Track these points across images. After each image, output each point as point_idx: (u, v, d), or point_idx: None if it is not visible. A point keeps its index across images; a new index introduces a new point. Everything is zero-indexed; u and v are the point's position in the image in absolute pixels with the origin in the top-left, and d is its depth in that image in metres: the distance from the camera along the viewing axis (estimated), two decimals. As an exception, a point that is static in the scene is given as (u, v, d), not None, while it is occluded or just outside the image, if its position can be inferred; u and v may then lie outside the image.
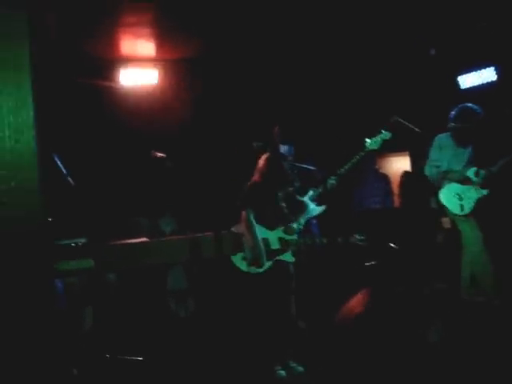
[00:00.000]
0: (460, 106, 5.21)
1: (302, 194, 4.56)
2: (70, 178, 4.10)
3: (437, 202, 5.33)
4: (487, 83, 6.88)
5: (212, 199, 6.14)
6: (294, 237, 4.24)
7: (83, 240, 3.49)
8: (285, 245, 4.19)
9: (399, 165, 8.46)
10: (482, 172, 5.08)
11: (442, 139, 5.32)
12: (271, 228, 4.20)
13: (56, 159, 4.03)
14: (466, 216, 5.11)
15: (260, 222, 4.16)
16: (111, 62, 6.45)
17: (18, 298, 1.95)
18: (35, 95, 1.71)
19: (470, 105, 5.16)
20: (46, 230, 1.94)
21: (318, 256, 5.38)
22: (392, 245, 7.00)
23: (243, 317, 4.63)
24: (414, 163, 8.05)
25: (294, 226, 4.27)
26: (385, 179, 7.67)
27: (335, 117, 7.30)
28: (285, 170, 4.27)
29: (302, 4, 5.28)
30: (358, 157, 4.61)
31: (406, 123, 5.23)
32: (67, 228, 3.66)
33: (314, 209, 4.53)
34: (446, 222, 6.10)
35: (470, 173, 5.13)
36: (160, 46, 6.28)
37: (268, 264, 4.11)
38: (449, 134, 5.30)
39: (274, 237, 4.19)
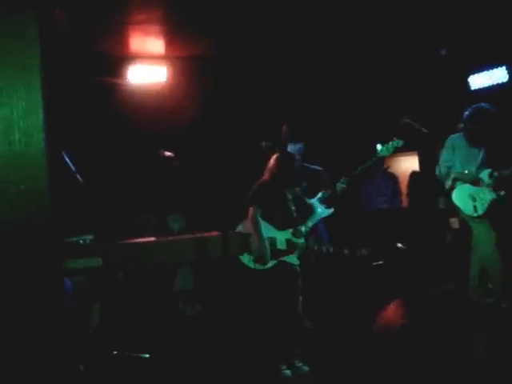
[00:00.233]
0: (474, 106, 5.15)
1: (310, 195, 4.57)
2: (78, 175, 4.11)
3: (449, 202, 5.28)
4: (498, 84, 6.82)
5: (220, 197, 6.15)
6: (302, 240, 4.26)
7: (91, 237, 3.51)
8: (291, 247, 4.21)
9: (408, 164, 8.42)
10: (496, 174, 5.03)
11: (455, 140, 5.27)
12: (280, 228, 4.22)
13: (65, 156, 4.04)
14: (479, 217, 5.07)
15: (269, 220, 4.19)
16: (120, 59, 6.46)
17: (28, 296, 1.97)
18: (45, 96, 1.71)
19: (483, 105, 5.10)
20: (56, 232, 1.95)
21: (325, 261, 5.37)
22: (399, 245, 7.02)
23: (249, 315, 4.64)
24: (422, 163, 8.02)
25: (303, 229, 4.29)
26: (393, 179, 7.65)
27: (345, 117, 7.27)
28: (295, 171, 4.30)
29: (314, 4, 5.26)
30: (368, 162, 4.61)
31: (415, 124, 5.20)
32: (75, 225, 3.67)
33: (322, 211, 4.54)
34: (454, 223, 6.07)
35: (484, 175, 5.08)
36: (169, 43, 6.28)
37: (272, 263, 4.13)
38: (462, 134, 5.24)
39: (281, 237, 4.21)
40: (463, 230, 5.36)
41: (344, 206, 4.76)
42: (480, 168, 5.12)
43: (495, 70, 6.84)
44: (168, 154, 4.66)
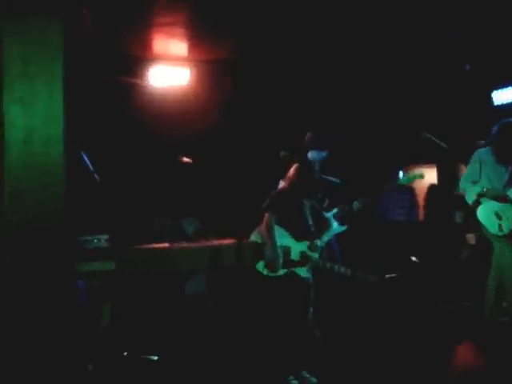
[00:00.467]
0: (503, 121, 5.03)
1: (327, 210, 4.55)
2: (96, 175, 4.14)
3: (471, 218, 5.13)
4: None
5: (237, 203, 6.13)
6: (316, 254, 4.26)
7: (106, 236, 3.53)
8: (305, 259, 4.20)
9: (426, 177, 8.33)
10: None
11: (483, 154, 5.10)
12: (297, 239, 4.23)
13: (84, 156, 4.07)
14: (504, 236, 4.92)
15: (286, 227, 4.21)
16: (142, 61, 6.48)
17: (41, 295, 1.99)
18: (67, 106, 1.71)
19: None
20: (71, 234, 1.96)
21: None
22: (414, 258, 6.95)
23: (259, 324, 4.63)
24: (440, 177, 7.94)
25: (318, 243, 4.29)
26: (410, 191, 7.58)
27: (369, 129, 7.20)
28: (314, 182, 4.34)
29: (339, 13, 5.24)
30: (387, 187, 4.63)
31: (435, 139, 5.15)
32: (91, 224, 3.69)
33: (337, 228, 4.52)
34: (470, 238, 6.00)
35: (511, 192, 4.90)
36: (193, 46, 6.29)
37: (283, 271, 4.13)
38: (489, 149, 5.09)
39: (297, 249, 4.21)
40: (480, 247, 5.28)
41: (358, 221, 4.74)
42: (506, 186, 4.96)
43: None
44: (186, 159, 4.69)
